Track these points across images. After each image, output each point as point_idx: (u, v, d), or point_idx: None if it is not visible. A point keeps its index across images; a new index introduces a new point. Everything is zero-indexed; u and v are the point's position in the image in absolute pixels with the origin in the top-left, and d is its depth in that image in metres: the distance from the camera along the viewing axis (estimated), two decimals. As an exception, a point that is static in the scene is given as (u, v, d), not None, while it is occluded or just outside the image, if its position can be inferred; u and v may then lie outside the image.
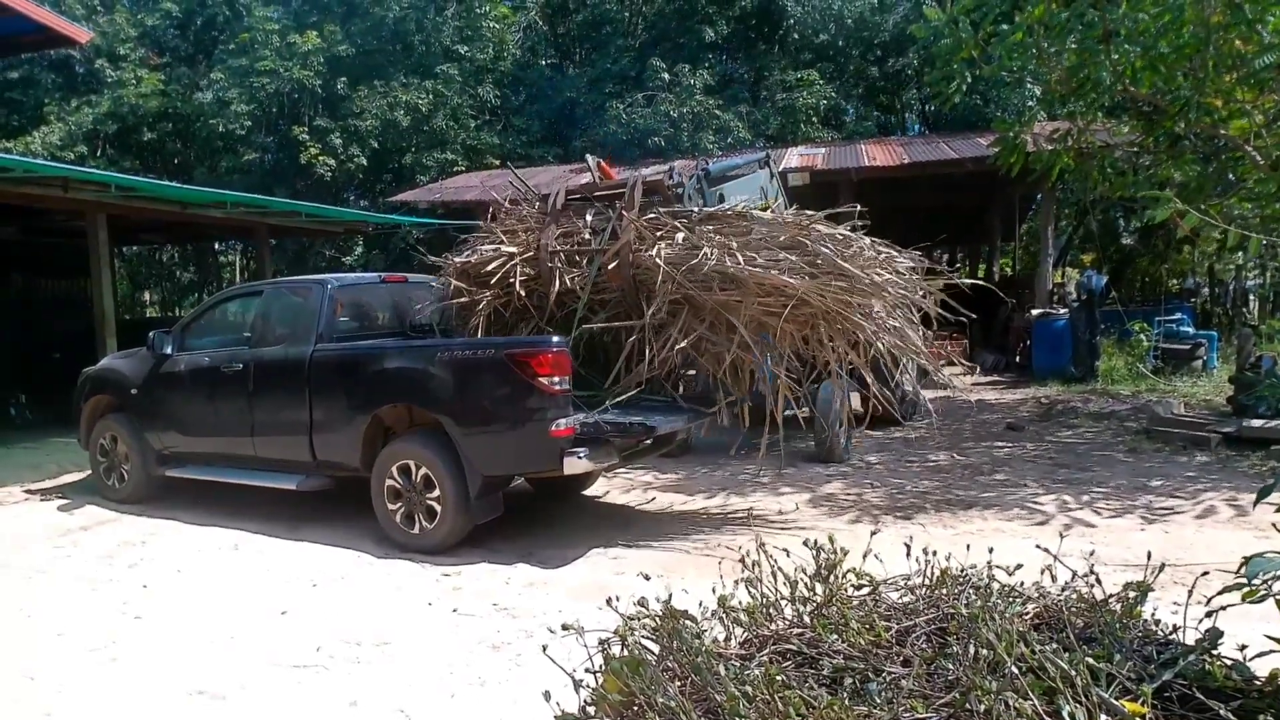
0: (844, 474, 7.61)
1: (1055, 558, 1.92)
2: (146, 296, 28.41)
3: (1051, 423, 10.01)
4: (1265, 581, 1.56)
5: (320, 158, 20.04)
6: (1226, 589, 1.63)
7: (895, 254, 5.70)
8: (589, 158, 7.55)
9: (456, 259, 6.48)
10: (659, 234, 5.75)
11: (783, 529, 6.02)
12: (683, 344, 5.38)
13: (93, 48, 21.82)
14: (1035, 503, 6.52)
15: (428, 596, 4.85)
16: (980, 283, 5.95)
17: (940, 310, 5.86)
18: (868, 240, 5.63)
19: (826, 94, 19.73)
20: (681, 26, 21.51)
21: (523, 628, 4.33)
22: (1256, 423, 7.96)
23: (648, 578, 2.03)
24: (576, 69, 22.37)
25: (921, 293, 5.71)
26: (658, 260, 5.48)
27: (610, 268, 5.76)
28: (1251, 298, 20.44)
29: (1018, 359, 15.22)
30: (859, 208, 5.99)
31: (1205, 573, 1.79)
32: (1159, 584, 2.08)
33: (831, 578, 1.86)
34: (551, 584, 5.02)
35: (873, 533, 2.14)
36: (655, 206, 6.05)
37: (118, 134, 23.33)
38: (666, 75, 19.65)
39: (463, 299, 6.26)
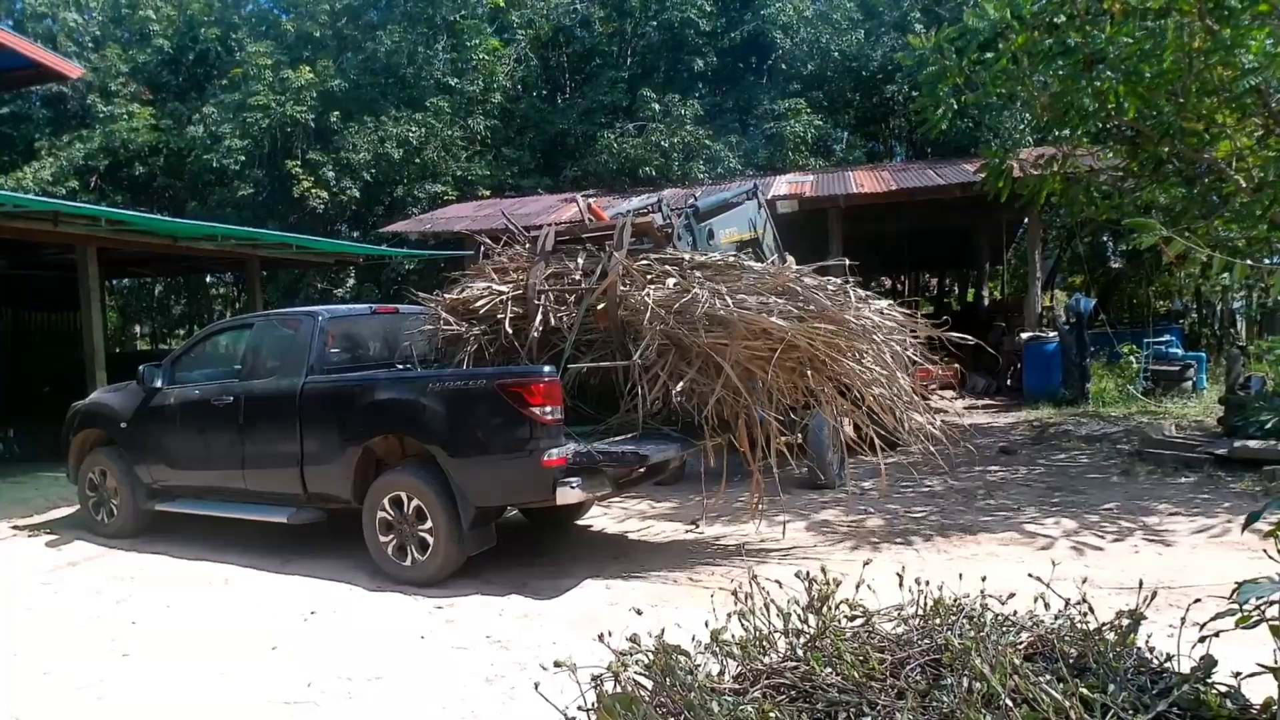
0: (838, 500, 7.59)
1: (1047, 585, 1.91)
2: (137, 329, 28.36)
3: (1044, 446, 10.02)
4: (1257, 606, 1.55)
5: (313, 190, 20.11)
6: (1219, 615, 1.62)
7: (880, 304, 5.81)
8: (579, 198, 7.60)
9: (447, 295, 6.50)
10: (649, 278, 5.77)
11: (778, 557, 6.00)
12: (678, 388, 5.34)
13: (85, 83, 21.96)
14: (1030, 526, 6.51)
15: (420, 629, 4.80)
16: (958, 336, 5.97)
17: (939, 341, 5.93)
18: (861, 292, 5.70)
19: (814, 123, 19.92)
20: (672, 58, 21.74)
21: (516, 660, 4.28)
22: (1249, 444, 7.97)
23: (640, 612, 2.01)
24: (567, 100, 22.56)
25: (910, 333, 5.78)
26: (646, 300, 5.49)
27: (599, 308, 5.76)
28: (1238, 318, 20.58)
29: (1009, 382, 15.26)
30: (847, 261, 6.07)
31: (1198, 600, 1.78)
32: (1153, 607, 2.07)
33: (824, 609, 1.85)
34: (545, 615, 4.98)
35: (865, 563, 2.13)
36: (646, 253, 6.06)
37: (109, 169, 23.41)
38: (657, 106, 19.82)
39: (450, 331, 6.26)
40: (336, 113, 21.31)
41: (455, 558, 5.56)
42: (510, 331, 5.98)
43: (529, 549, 6.43)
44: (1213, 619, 1.63)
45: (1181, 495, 7.28)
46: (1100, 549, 5.86)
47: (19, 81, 14.08)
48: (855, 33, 20.94)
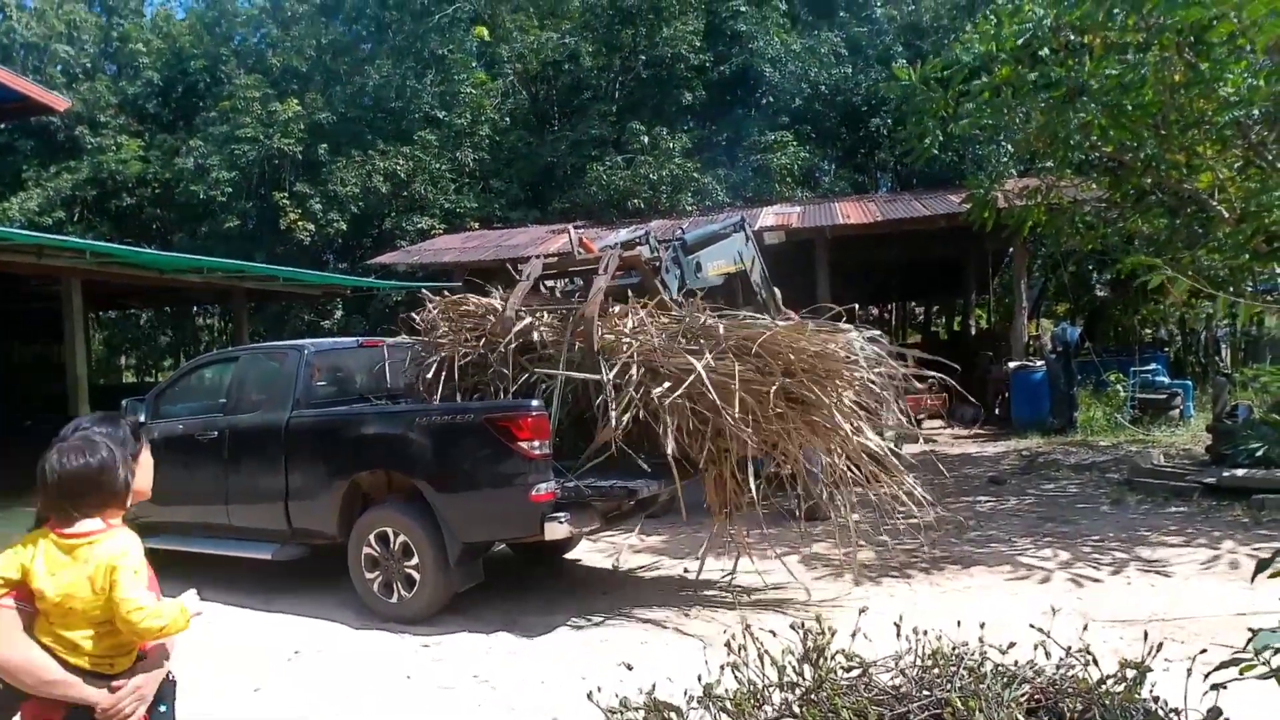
0: (828, 531, 7.52)
1: (1047, 635, 1.86)
2: (123, 360, 28.18)
3: (1033, 475, 10.00)
4: (1267, 658, 1.50)
5: (300, 223, 20.11)
6: (1224, 664, 1.58)
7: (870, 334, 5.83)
8: (570, 230, 7.59)
9: (449, 294, 6.47)
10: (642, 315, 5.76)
11: (769, 592, 5.94)
12: (656, 391, 5.22)
13: (73, 115, 22.00)
14: (1022, 558, 6.47)
15: (407, 668, 4.72)
16: (934, 374, 5.96)
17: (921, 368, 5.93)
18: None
19: (801, 155, 20.08)
20: (660, 92, 21.91)
21: (504, 701, 4.21)
22: (1238, 472, 7.97)
23: (630, 667, 1.95)
24: (556, 133, 22.69)
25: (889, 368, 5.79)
26: (630, 323, 5.46)
27: (578, 329, 5.71)
28: (1223, 346, 20.69)
29: (996, 411, 15.27)
30: (836, 305, 6.10)
31: (1204, 650, 1.73)
32: (1152, 639, 2.03)
33: (820, 660, 1.79)
34: (534, 653, 4.90)
35: (862, 610, 2.08)
36: (640, 300, 6.02)
37: (97, 199, 23.42)
38: (645, 138, 19.93)
39: (435, 334, 6.20)
40: (324, 145, 21.40)
41: (442, 594, 5.48)
42: (489, 339, 5.91)
43: (517, 585, 6.35)
44: (1218, 668, 1.59)
45: (1173, 525, 7.25)
46: (1094, 581, 5.82)
47: (6, 114, 14.06)
48: (842, 67, 21.18)
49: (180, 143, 23.09)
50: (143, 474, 2.23)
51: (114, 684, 2.02)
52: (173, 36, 25.89)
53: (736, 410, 4.98)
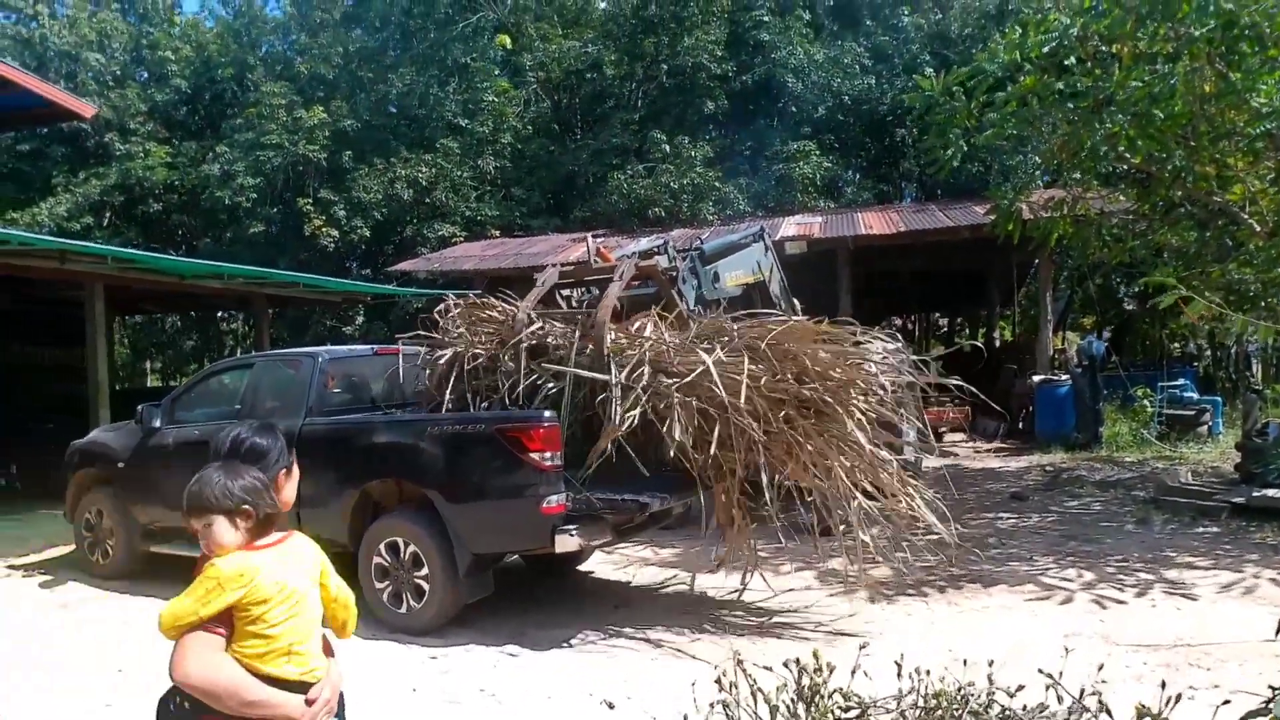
0: (845, 547, 7.39)
1: (1057, 681, 1.76)
2: (148, 365, 28.45)
3: (1057, 492, 9.81)
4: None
5: (324, 229, 20.23)
6: (1252, 715, 1.48)
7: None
8: (589, 238, 7.54)
9: (473, 295, 6.45)
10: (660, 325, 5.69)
11: (781, 610, 5.85)
12: (665, 383, 5.13)
13: (103, 121, 22.28)
14: (1043, 578, 6.32)
15: (413, 681, 4.67)
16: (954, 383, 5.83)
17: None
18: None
19: (824, 165, 19.93)
20: (682, 100, 21.86)
21: (510, 715, 4.15)
22: (1269, 492, 7.77)
23: (612, 705, 1.86)
24: (578, 141, 22.70)
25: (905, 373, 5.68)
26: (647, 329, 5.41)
27: (589, 332, 5.65)
28: (1254, 361, 20.32)
29: (1020, 425, 15.05)
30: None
31: (1226, 701, 1.63)
32: (1174, 667, 1.93)
33: (816, 699, 1.70)
34: (541, 667, 4.84)
35: (862, 646, 1.99)
36: (656, 310, 5.95)
37: (124, 205, 23.69)
38: (667, 147, 19.88)
39: (450, 331, 6.16)
40: (349, 152, 21.54)
41: (451, 605, 5.43)
42: (502, 340, 5.85)
43: (527, 597, 6.29)
44: (1244, 718, 1.49)
45: (1200, 545, 7.08)
46: (1117, 603, 5.67)
47: (34, 120, 14.28)
48: (866, 77, 21.03)
49: (207, 149, 23.33)
50: (291, 486, 2.29)
51: (309, 696, 2.01)
52: (201, 44, 26.21)
53: (743, 402, 4.85)
